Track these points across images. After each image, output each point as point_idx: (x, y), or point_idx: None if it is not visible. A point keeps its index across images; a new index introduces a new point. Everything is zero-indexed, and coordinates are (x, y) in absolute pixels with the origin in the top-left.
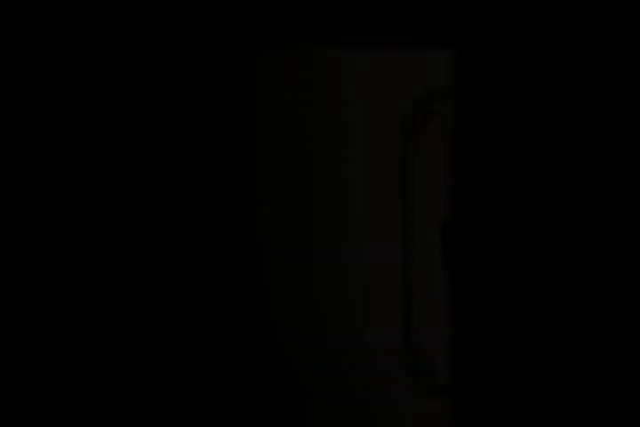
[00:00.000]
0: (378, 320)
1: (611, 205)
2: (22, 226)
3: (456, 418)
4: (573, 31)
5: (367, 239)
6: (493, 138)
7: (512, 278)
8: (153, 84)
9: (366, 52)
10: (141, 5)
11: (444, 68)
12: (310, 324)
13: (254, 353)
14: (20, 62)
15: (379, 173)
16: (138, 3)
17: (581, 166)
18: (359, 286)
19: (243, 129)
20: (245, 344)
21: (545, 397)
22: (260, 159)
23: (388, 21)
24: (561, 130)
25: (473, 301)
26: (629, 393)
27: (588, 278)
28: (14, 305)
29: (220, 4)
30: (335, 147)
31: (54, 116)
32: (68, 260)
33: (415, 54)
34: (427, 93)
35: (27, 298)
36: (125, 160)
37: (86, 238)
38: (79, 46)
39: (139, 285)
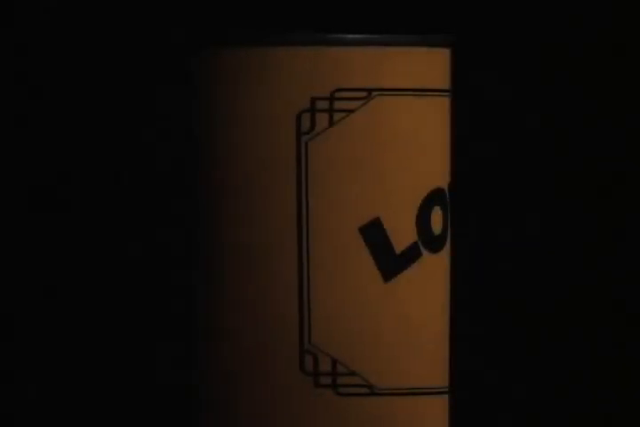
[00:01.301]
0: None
1: (610, 204)
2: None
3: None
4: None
5: (262, 238)
6: (493, 137)
7: (511, 278)
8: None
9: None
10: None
11: (370, 63)
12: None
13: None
14: None
15: (275, 174)
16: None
17: (582, 166)
18: (256, 283)
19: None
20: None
21: (544, 397)
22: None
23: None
24: (561, 130)
25: (472, 300)
26: (629, 392)
27: (587, 278)
28: None
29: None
30: (236, 145)
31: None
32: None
33: (330, 49)
34: (332, 91)
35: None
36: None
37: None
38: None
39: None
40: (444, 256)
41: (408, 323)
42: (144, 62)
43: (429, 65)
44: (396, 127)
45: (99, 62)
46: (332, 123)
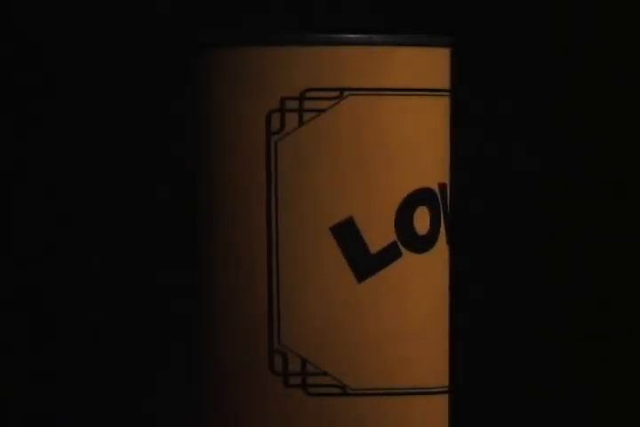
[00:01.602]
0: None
1: (610, 203)
2: None
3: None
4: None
5: (233, 238)
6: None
7: (510, 277)
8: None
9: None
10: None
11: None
12: None
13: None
14: None
15: (248, 174)
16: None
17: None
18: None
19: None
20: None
21: (543, 397)
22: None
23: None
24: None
25: (471, 300)
26: (629, 391)
27: (586, 278)
28: None
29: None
30: (215, 145)
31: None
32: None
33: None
34: (303, 91)
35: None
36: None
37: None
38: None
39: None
40: (432, 256)
41: (384, 324)
42: (143, 62)
43: (408, 64)
44: (370, 127)
45: (95, 62)
46: (301, 123)
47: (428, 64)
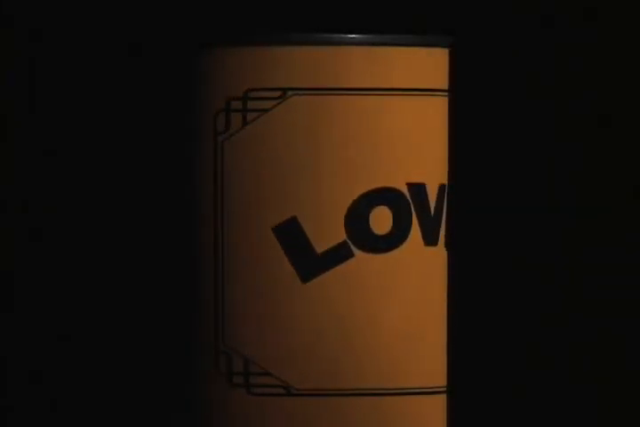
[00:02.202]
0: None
1: (609, 203)
2: None
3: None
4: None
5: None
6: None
7: (510, 277)
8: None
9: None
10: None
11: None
12: None
13: None
14: None
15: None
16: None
17: (583, 166)
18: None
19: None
20: None
21: (542, 397)
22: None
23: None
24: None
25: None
26: (629, 391)
27: (585, 278)
28: None
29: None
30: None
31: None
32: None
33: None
34: (246, 91)
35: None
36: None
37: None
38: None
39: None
40: (398, 257)
41: (334, 324)
42: (141, 62)
43: (353, 63)
44: (314, 127)
45: (92, 61)
46: (245, 122)
47: (377, 63)
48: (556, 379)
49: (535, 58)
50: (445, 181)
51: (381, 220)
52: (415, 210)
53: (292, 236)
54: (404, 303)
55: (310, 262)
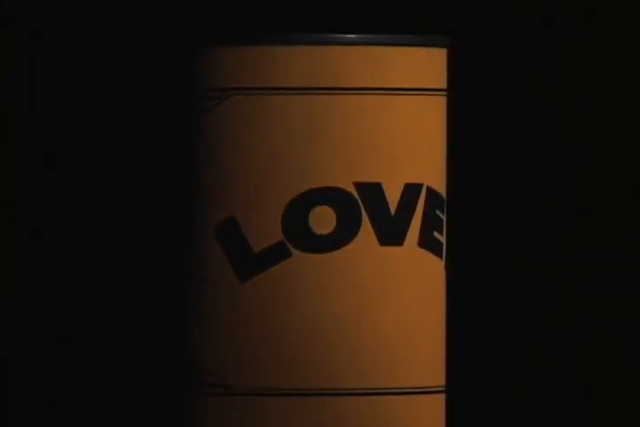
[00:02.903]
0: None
1: (609, 203)
2: None
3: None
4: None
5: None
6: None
7: (509, 277)
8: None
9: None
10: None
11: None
12: None
13: None
14: None
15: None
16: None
17: (582, 166)
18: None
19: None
20: None
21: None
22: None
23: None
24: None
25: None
26: (627, 391)
27: (584, 278)
28: None
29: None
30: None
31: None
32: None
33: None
34: (195, 91)
35: None
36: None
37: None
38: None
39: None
40: (338, 256)
41: (269, 323)
42: (141, 61)
43: (293, 63)
44: (255, 126)
45: (90, 61)
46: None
47: (318, 62)
48: (556, 379)
49: (535, 58)
50: (422, 181)
51: (324, 219)
52: (366, 209)
53: (230, 235)
54: (347, 302)
55: (247, 262)
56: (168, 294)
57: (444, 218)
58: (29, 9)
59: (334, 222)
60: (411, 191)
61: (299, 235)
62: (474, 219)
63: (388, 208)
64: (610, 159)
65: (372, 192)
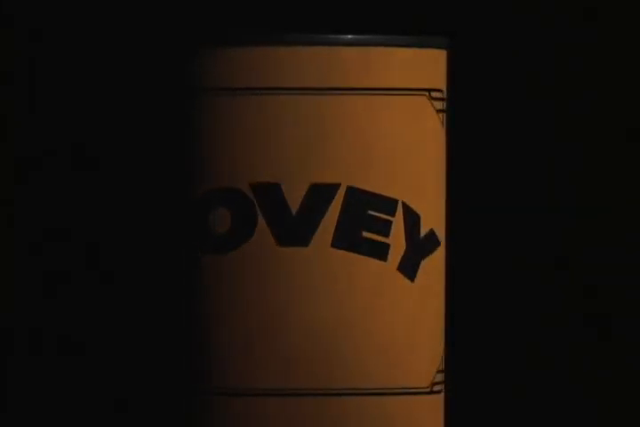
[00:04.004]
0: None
1: (609, 203)
2: None
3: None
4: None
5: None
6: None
7: (509, 277)
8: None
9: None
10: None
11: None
12: None
13: None
14: None
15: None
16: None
17: (581, 167)
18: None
19: None
20: None
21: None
22: None
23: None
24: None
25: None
26: (627, 391)
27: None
28: None
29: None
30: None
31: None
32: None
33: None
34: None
35: None
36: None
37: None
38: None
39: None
40: (233, 256)
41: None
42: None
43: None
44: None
45: (90, 61)
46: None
47: (232, 62)
48: (556, 379)
49: (535, 58)
50: (339, 181)
51: (221, 220)
52: (262, 210)
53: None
54: (249, 302)
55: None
56: (168, 296)
57: (387, 218)
58: (29, 9)
59: (229, 223)
60: (319, 192)
61: (199, 235)
62: (473, 219)
63: (289, 209)
64: (610, 159)
65: (270, 193)
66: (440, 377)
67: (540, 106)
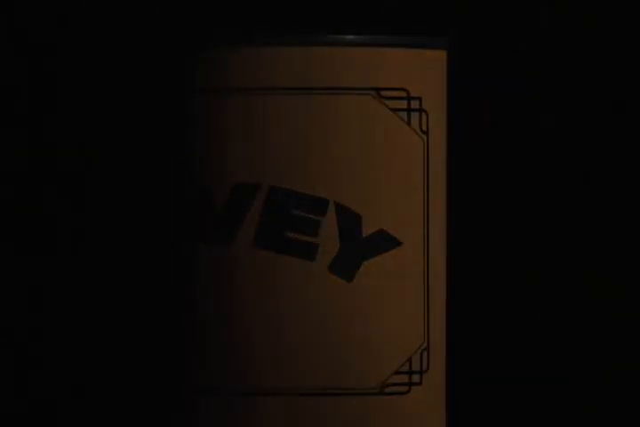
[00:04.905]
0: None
1: (609, 202)
2: None
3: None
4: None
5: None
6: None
7: (509, 277)
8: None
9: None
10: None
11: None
12: None
13: None
14: None
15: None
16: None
17: (583, 169)
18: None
19: None
20: None
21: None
22: None
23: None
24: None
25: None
26: (627, 391)
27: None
28: None
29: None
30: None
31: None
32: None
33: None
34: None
35: None
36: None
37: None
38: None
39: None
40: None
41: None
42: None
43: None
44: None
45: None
46: None
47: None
48: (556, 379)
49: (535, 58)
50: (260, 181)
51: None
52: (204, 211)
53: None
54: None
55: None
56: (165, 296)
57: (314, 218)
58: (35, 12)
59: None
60: (242, 191)
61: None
62: (473, 218)
63: (215, 209)
64: (610, 159)
65: (205, 194)
66: (401, 378)
67: (540, 105)
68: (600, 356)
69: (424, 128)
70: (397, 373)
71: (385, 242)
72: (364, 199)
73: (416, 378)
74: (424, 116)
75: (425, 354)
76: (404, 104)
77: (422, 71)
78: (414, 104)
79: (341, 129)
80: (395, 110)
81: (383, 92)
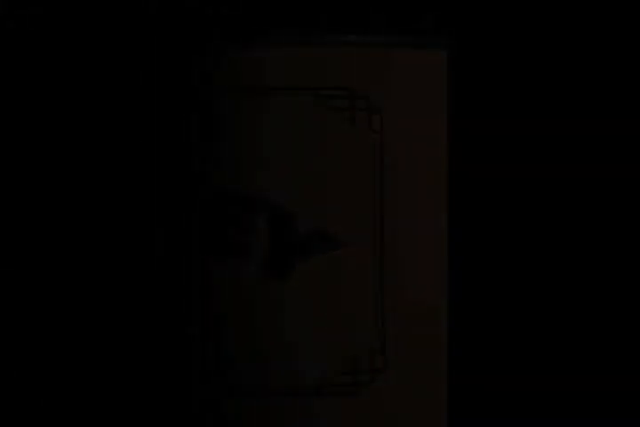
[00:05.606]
0: None
1: (609, 202)
2: None
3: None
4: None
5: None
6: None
7: (509, 277)
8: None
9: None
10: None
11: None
12: None
13: None
14: None
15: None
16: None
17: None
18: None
19: None
20: None
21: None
22: None
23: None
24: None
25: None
26: (627, 391)
27: (584, 278)
28: None
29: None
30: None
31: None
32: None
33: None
34: None
35: None
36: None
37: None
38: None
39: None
40: None
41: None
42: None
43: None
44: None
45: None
46: None
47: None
48: (556, 379)
49: (535, 58)
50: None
51: None
52: None
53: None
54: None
55: None
56: (171, 294)
57: (244, 216)
58: (30, 10)
59: None
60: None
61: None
62: (473, 219)
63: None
64: (610, 157)
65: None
66: (344, 379)
67: (539, 105)
68: (594, 354)
69: (375, 127)
70: (342, 373)
71: (322, 242)
72: (299, 198)
73: (364, 378)
74: (375, 116)
75: (377, 355)
76: (346, 103)
77: (370, 71)
78: (360, 104)
79: (274, 129)
80: (335, 109)
81: (323, 92)
